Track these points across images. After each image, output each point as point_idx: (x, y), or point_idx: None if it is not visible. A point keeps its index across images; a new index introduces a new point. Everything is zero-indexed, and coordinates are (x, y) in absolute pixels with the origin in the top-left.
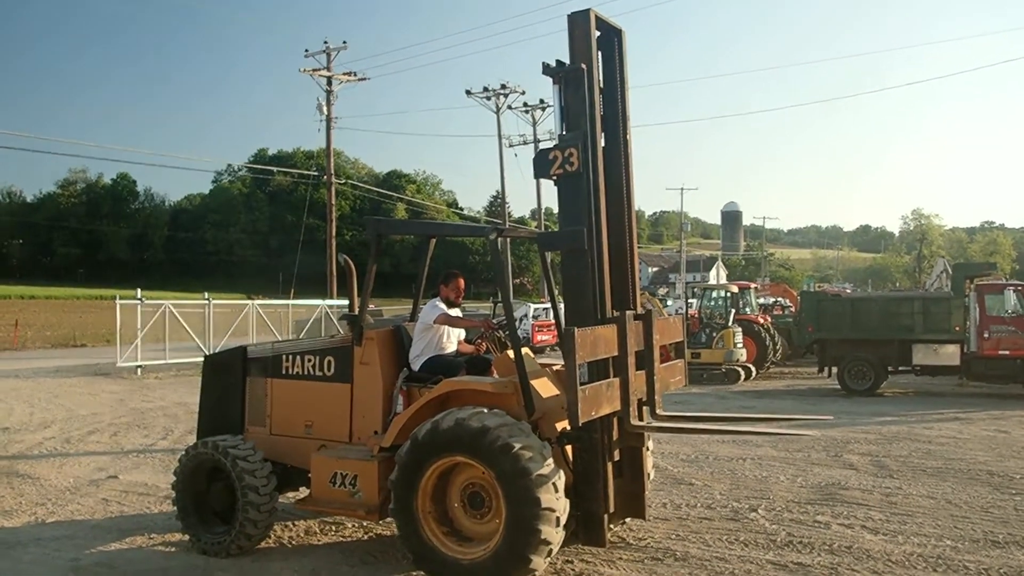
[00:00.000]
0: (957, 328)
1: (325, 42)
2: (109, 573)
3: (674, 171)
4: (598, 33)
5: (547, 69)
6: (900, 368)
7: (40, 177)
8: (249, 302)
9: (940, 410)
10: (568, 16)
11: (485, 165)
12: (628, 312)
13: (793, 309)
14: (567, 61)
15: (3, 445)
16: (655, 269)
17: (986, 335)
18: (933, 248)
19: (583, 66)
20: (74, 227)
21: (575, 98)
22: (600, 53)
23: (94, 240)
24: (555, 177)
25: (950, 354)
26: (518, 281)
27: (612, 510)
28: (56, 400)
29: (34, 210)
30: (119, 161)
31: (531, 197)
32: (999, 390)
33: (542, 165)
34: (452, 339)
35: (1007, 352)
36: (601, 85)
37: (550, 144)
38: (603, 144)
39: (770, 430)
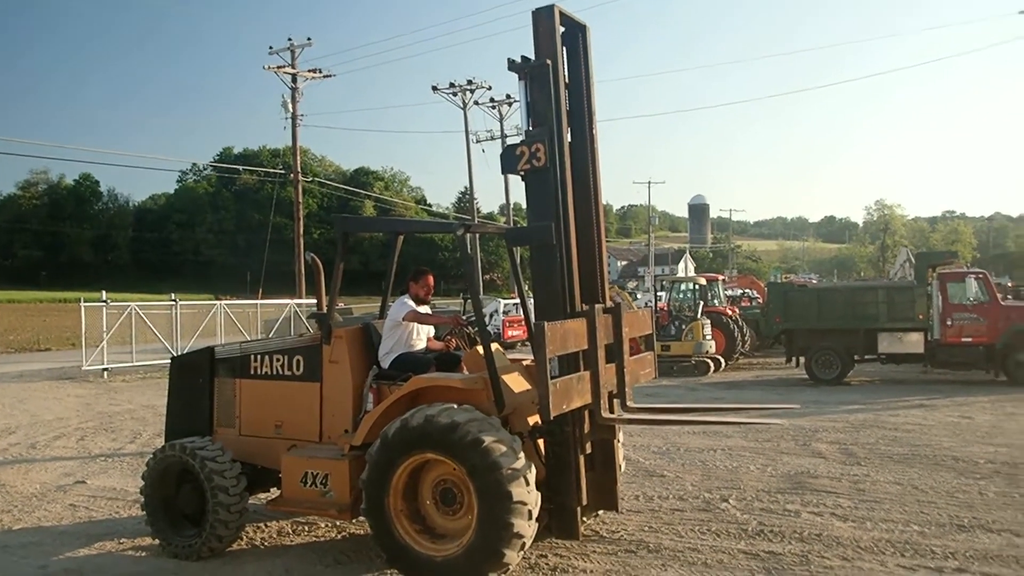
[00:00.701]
0: (921, 316)
1: (289, 39)
2: None
3: (641, 165)
4: (563, 29)
5: (512, 65)
6: (866, 357)
7: None
8: (217, 302)
9: (905, 397)
10: (533, 12)
11: (453, 161)
12: (597, 306)
13: (761, 300)
14: (533, 57)
15: None
16: (624, 263)
17: (949, 323)
18: (896, 238)
19: (548, 62)
20: (36, 229)
21: (541, 94)
22: (565, 49)
23: (56, 242)
24: (522, 172)
25: (914, 342)
26: (488, 277)
27: (585, 503)
28: (20, 405)
29: None
30: (81, 162)
31: (500, 193)
32: (963, 377)
33: (509, 161)
34: (421, 336)
35: (970, 339)
36: (567, 81)
37: (517, 139)
38: (569, 139)
39: (739, 420)
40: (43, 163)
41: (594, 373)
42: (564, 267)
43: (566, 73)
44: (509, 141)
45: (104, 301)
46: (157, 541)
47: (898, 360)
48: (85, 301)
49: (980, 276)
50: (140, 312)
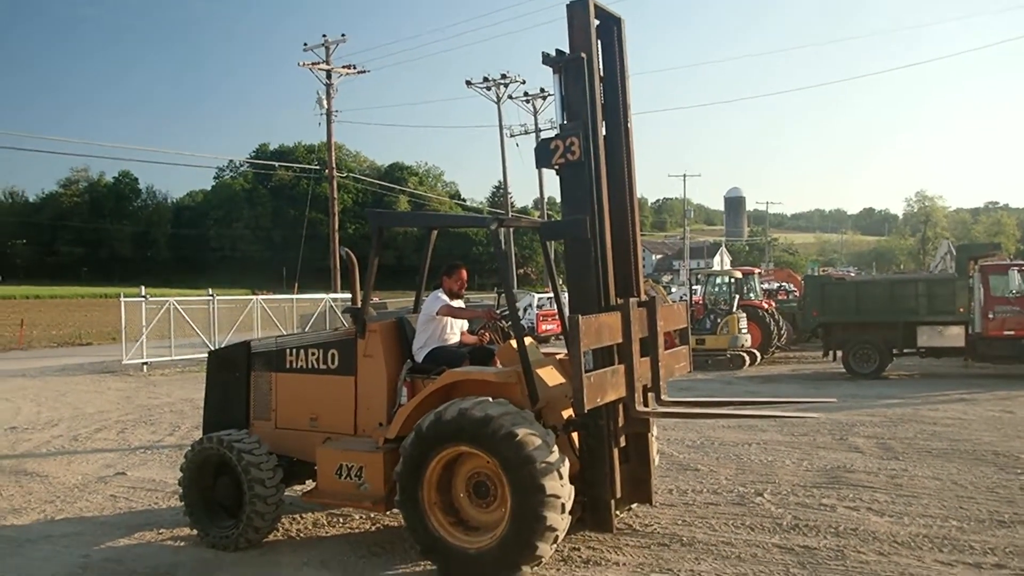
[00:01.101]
0: (961, 309)
1: (324, 35)
2: (119, 569)
3: (677, 158)
4: (597, 22)
5: (547, 59)
6: (905, 351)
7: (41, 177)
8: (253, 297)
9: (945, 392)
10: (567, 5)
11: (487, 156)
12: (632, 299)
13: (797, 294)
14: (567, 51)
15: (11, 444)
16: (659, 256)
17: (991, 316)
18: (937, 230)
19: (583, 55)
20: (77, 226)
21: (575, 87)
22: (600, 42)
23: (97, 239)
24: (557, 167)
25: (955, 335)
26: (522, 271)
27: (619, 495)
28: (63, 398)
29: (36, 210)
30: (121, 159)
31: (533, 187)
32: (1004, 371)
33: (543, 155)
34: (455, 330)
35: (1012, 332)
36: (601, 74)
37: (551, 133)
38: (604, 132)
39: (775, 413)
40: (83, 161)
41: (628, 367)
42: (598, 261)
43: (601, 66)
44: (543, 135)
45: (143, 296)
46: (195, 532)
47: (938, 354)
48: (125, 296)
49: (1023, 268)
50: (178, 307)
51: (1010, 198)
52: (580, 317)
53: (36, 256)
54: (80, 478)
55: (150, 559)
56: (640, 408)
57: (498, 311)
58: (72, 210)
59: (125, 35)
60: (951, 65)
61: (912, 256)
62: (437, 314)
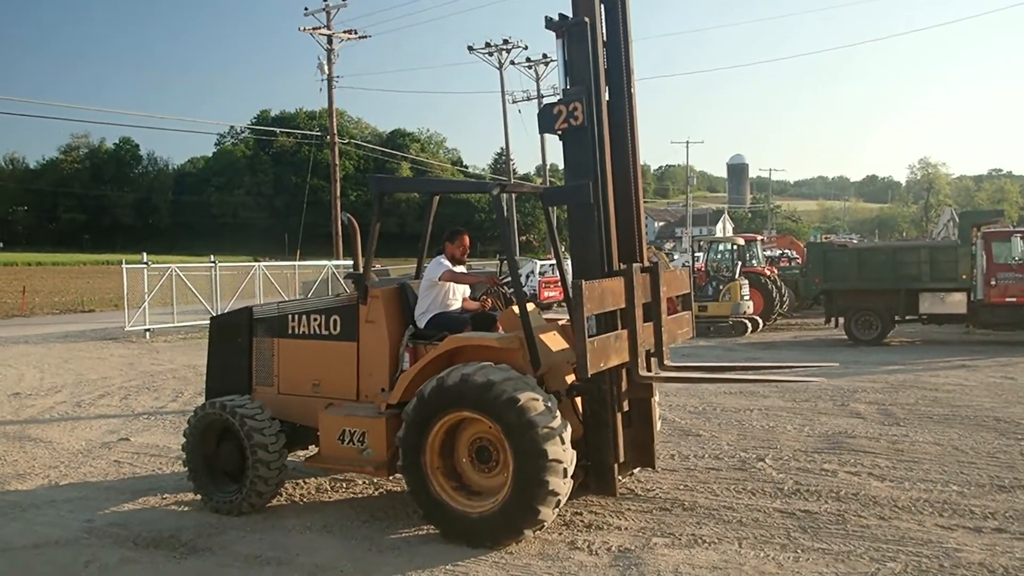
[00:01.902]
0: (964, 276)
1: (324, 0)
2: (123, 533)
3: (680, 125)
4: None
5: (550, 23)
6: (907, 317)
7: (42, 143)
8: (255, 264)
9: (946, 358)
10: None
11: (489, 122)
12: (635, 265)
13: (800, 261)
14: (570, 15)
15: (15, 410)
16: (661, 223)
17: (993, 282)
18: (940, 197)
19: (586, 19)
20: (78, 193)
21: (578, 52)
22: (603, 6)
23: (99, 205)
24: (559, 132)
25: (957, 302)
26: (524, 238)
27: (622, 459)
28: (66, 365)
29: (37, 176)
30: (121, 125)
31: (536, 154)
32: (1006, 337)
33: (546, 120)
34: (457, 296)
35: (1014, 299)
36: (604, 38)
37: (554, 99)
38: (607, 98)
39: (777, 377)
40: (84, 127)
41: (632, 332)
42: (602, 226)
43: (604, 31)
44: (545, 101)
45: (145, 263)
46: (199, 497)
47: (940, 321)
48: (127, 263)
49: None
50: (180, 274)
51: (1013, 165)
52: (583, 282)
53: (37, 223)
54: (84, 444)
55: (154, 523)
56: (643, 373)
57: (500, 277)
58: (73, 176)
59: (123, 2)
60: (955, 32)
61: (915, 223)
62: (440, 279)
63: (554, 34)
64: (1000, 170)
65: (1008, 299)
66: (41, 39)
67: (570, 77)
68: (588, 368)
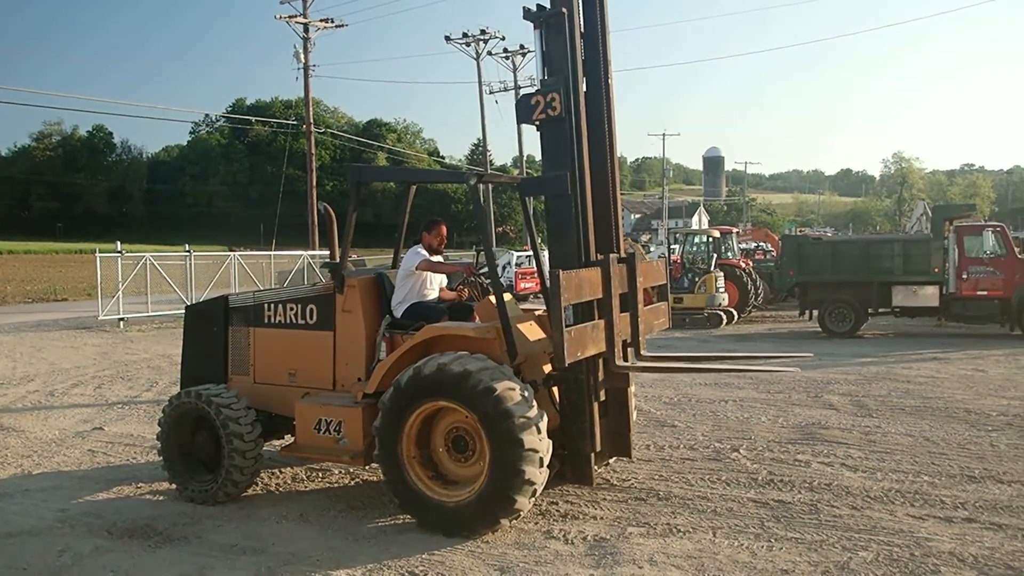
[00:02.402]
0: (936, 270)
1: None
2: (96, 523)
3: (657, 117)
4: None
5: (528, 14)
6: (880, 310)
7: (13, 130)
8: (230, 254)
9: (919, 350)
10: None
11: (466, 113)
12: (612, 255)
13: (775, 253)
14: (548, 6)
15: None
16: (638, 215)
17: (965, 276)
18: (913, 191)
19: (564, 11)
20: (51, 181)
21: (556, 43)
22: None
23: (72, 194)
24: (537, 122)
25: (929, 295)
26: (501, 230)
27: (599, 449)
28: (38, 354)
29: (9, 164)
30: (94, 112)
31: (513, 145)
32: (977, 330)
33: (524, 110)
34: (434, 285)
35: (985, 292)
36: (582, 30)
37: (531, 90)
38: (585, 89)
39: (752, 367)
40: (57, 114)
41: (608, 322)
42: (579, 217)
43: (582, 22)
44: (523, 92)
45: (119, 252)
46: (174, 486)
47: (912, 313)
48: (100, 252)
49: (997, 229)
50: (155, 263)
51: (985, 160)
52: (561, 272)
53: (9, 211)
54: (57, 433)
55: (128, 513)
56: (620, 363)
57: (477, 267)
58: (45, 164)
59: None
60: (927, 27)
61: (888, 217)
62: (416, 268)
63: (532, 25)
64: (972, 165)
65: (979, 292)
66: (12, 26)
67: (548, 68)
68: (566, 358)
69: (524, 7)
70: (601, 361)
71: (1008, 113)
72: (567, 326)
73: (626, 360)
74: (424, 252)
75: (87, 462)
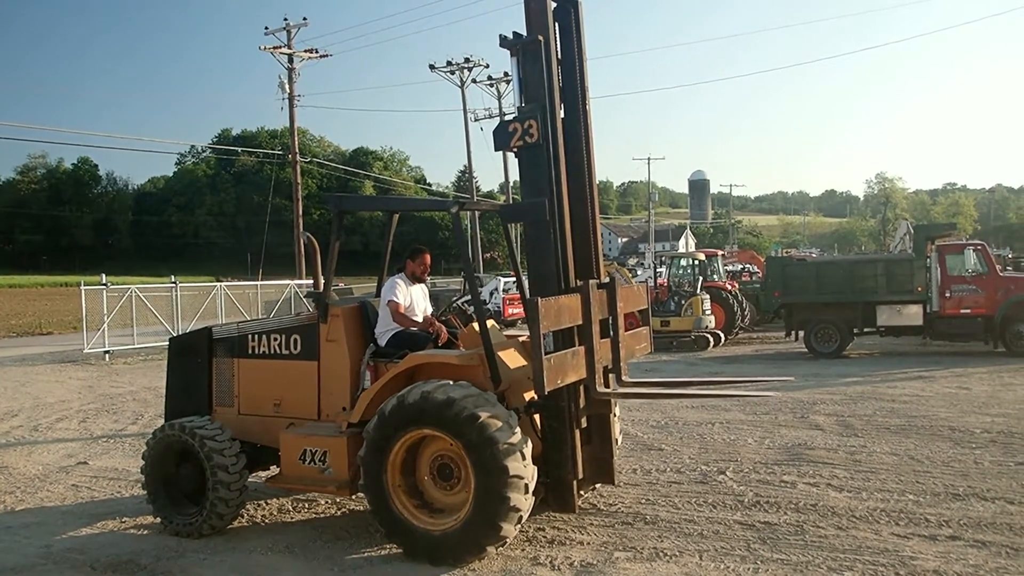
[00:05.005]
0: (919, 289)
1: (285, 19)
2: (80, 558)
3: (642, 142)
4: (554, 5)
5: (504, 41)
6: (865, 330)
7: None
8: (217, 284)
9: (904, 369)
10: None
11: (452, 141)
12: (591, 281)
13: (760, 275)
14: (525, 33)
15: None
16: (625, 239)
17: (948, 294)
18: (897, 211)
19: (540, 38)
20: (36, 213)
21: (533, 70)
22: (557, 24)
23: (57, 226)
24: (515, 149)
25: (913, 314)
26: (488, 255)
27: (581, 476)
28: (23, 388)
29: None
30: (79, 145)
31: (500, 171)
32: (961, 348)
33: (502, 137)
34: (418, 314)
35: (968, 311)
36: (559, 57)
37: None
38: (562, 115)
39: (731, 392)
40: (41, 147)
41: (589, 348)
42: (558, 243)
43: (558, 49)
44: (507, 119)
45: (104, 284)
46: (159, 520)
47: (897, 332)
48: (85, 284)
49: (979, 248)
50: (140, 295)
51: (968, 179)
52: (539, 299)
53: None
54: (41, 468)
55: (113, 548)
56: (601, 389)
57: (459, 298)
58: (30, 197)
59: (81, 17)
60: (909, 48)
61: (873, 237)
62: (388, 305)
63: (509, 52)
64: (955, 184)
65: (962, 311)
66: None
67: (525, 95)
68: (545, 385)
69: (500, 35)
70: (582, 388)
71: (990, 132)
72: (546, 353)
73: (607, 386)
74: (401, 282)
75: (71, 497)
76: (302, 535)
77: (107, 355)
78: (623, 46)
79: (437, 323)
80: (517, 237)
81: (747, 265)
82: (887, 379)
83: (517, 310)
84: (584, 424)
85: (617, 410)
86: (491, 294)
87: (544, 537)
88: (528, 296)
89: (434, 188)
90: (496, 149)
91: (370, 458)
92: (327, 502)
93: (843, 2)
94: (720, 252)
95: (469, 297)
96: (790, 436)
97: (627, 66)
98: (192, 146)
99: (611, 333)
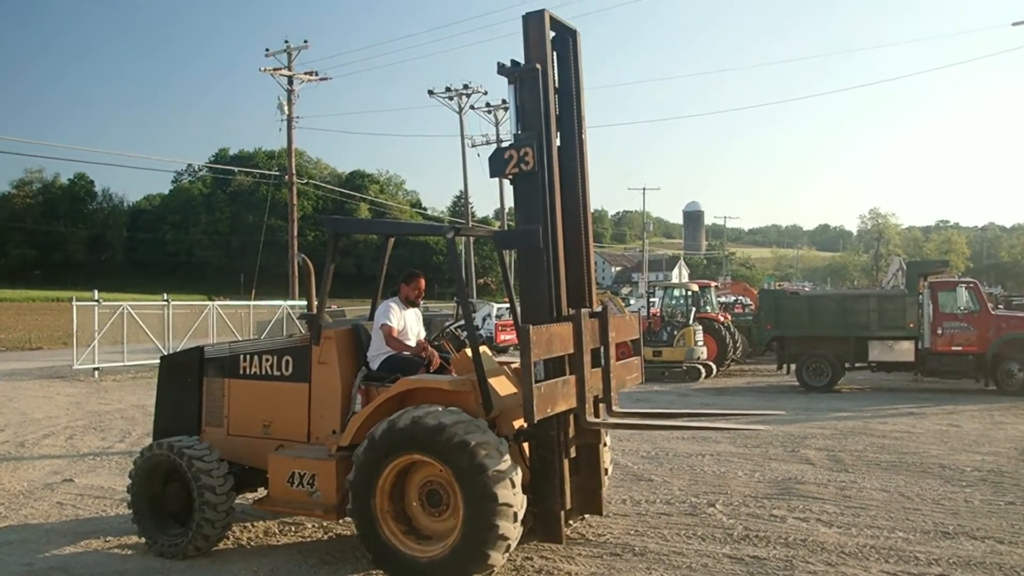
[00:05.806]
0: (911, 325)
1: (286, 41)
2: None
3: (637, 171)
4: (552, 34)
5: (502, 69)
6: (857, 364)
7: None
8: (209, 303)
9: (895, 405)
10: (523, 16)
11: (449, 165)
12: (584, 310)
13: (753, 307)
14: (522, 61)
15: None
16: (618, 268)
17: (939, 331)
18: (890, 247)
19: (538, 66)
20: (30, 228)
21: (530, 98)
22: (555, 53)
23: (51, 241)
24: (511, 176)
25: (905, 350)
26: (482, 281)
27: (569, 506)
28: (10, 404)
29: None
30: (76, 161)
31: (495, 197)
32: (952, 385)
33: (498, 164)
34: (411, 338)
35: (959, 348)
36: (556, 85)
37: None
38: (558, 143)
39: (720, 425)
40: (38, 162)
41: (579, 377)
42: (551, 271)
43: (556, 77)
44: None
45: (96, 300)
46: (143, 540)
47: (888, 368)
48: (77, 300)
49: (971, 285)
50: (132, 312)
51: (960, 217)
52: (531, 327)
53: None
54: (26, 485)
55: (96, 567)
56: (590, 419)
57: (451, 323)
58: (25, 211)
59: (83, 35)
60: (904, 85)
61: (865, 272)
62: (381, 328)
63: (507, 80)
64: (947, 221)
65: (954, 348)
66: None
67: (522, 122)
68: (535, 413)
69: (498, 62)
70: (572, 417)
71: (982, 170)
72: (537, 381)
73: (598, 416)
74: (395, 306)
75: (55, 515)
76: (288, 559)
77: (96, 372)
78: (613, 75)
79: (430, 348)
80: (511, 263)
81: (740, 297)
82: (878, 414)
83: (510, 336)
84: (573, 454)
85: (608, 440)
86: (483, 320)
87: (532, 566)
88: (520, 323)
89: (429, 212)
90: (492, 175)
91: (359, 482)
92: (314, 526)
93: (840, 37)
94: (713, 283)
95: (462, 322)
96: (780, 470)
97: (623, 95)
98: (189, 164)
99: (603, 362)
